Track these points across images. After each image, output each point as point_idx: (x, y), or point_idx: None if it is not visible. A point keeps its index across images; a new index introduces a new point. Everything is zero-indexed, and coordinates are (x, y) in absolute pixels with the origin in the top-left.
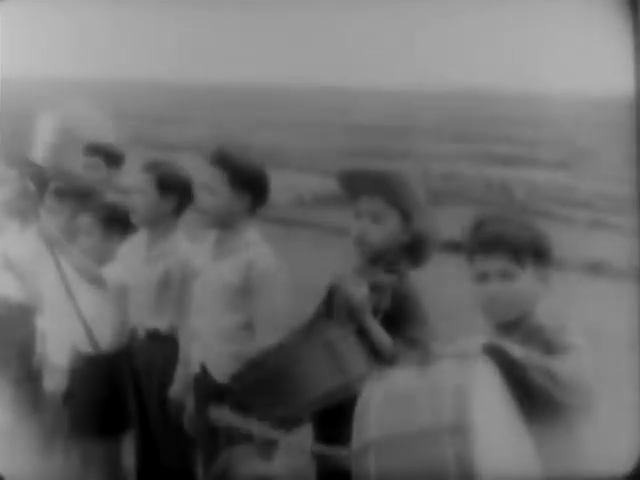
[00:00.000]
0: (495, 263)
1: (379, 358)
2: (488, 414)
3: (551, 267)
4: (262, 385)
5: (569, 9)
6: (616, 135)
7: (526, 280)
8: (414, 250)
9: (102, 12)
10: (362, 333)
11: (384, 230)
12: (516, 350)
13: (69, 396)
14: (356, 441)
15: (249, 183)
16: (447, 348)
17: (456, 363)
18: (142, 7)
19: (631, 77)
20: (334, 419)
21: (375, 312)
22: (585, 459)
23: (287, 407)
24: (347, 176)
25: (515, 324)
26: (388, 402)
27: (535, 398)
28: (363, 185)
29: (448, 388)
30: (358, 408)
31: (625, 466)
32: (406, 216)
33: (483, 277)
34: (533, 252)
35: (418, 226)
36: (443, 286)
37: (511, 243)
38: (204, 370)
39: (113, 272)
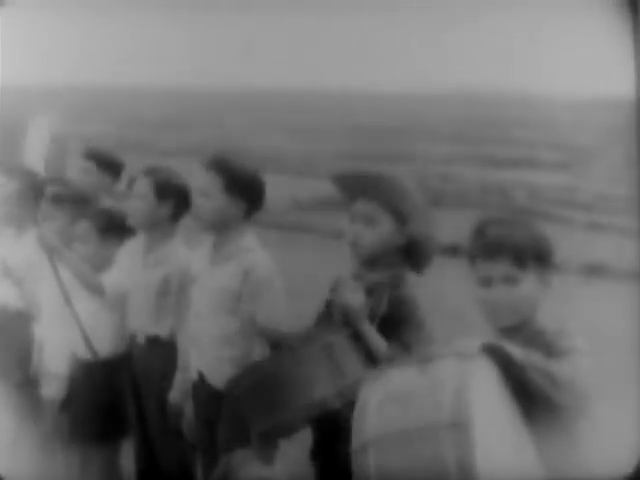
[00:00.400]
0: (498, 268)
1: (375, 363)
2: (487, 412)
3: (552, 270)
4: (259, 390)
5: (569, 11)
6: (616, 137)
7: (529, 284)
8: (412, 254)
9: (101, 19)
10: (358, 338)
11: (377, 233)
12: (515, 350)
13: (67, 403)
14: (355, 440)
15: (244, 189)
16: (446, 348)
17: (455, 361)
18: (141, 13)
19: (631, 79)
20: (333, 424)
21: (372, 317)
22: (585, 461)
23: (284, 412)
24: (343, 179)
25: (517, 328)
26: (387, 400)
27: (534, 399)
28: (358, 188)
29: (447, 385)
30: (357, 407)
31: (625, 468)
32: (401, 219)
33: (487, 282)
34: (535, 255)
35: (414, 229)
36: (443, 290)
37: (514, 247)
38: (202, 376)
39: (111, 278)
